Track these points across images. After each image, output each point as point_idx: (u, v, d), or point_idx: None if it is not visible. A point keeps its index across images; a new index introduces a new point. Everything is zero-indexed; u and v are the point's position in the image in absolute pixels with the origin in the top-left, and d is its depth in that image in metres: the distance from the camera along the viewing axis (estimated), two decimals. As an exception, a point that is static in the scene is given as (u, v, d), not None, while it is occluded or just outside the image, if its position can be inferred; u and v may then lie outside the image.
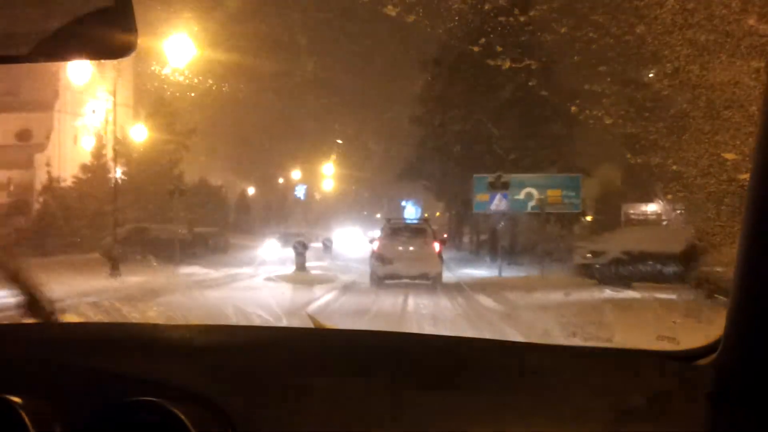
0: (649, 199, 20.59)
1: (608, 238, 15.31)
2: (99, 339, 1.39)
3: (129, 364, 1.18)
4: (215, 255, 21.09)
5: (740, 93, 3.44)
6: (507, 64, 12.49)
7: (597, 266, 13.10)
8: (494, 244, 21.19)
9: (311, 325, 1.52)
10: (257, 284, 13.34)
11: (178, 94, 23.21)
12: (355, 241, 25.55)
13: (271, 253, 21.20)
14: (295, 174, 34.84)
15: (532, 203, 17.88)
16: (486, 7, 12.36)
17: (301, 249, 15.81)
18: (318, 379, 1.12)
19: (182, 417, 1.00)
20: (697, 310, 6.55)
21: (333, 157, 29.93)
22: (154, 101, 24.91)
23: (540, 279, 13.84)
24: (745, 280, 0.96)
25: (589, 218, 22.59)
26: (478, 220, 24.53)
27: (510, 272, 16.33)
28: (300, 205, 35.17)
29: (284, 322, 6.41)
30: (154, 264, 15.25)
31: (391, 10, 8.38)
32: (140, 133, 24.95)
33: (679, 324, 5.85)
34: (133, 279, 13.64)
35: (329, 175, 32.55)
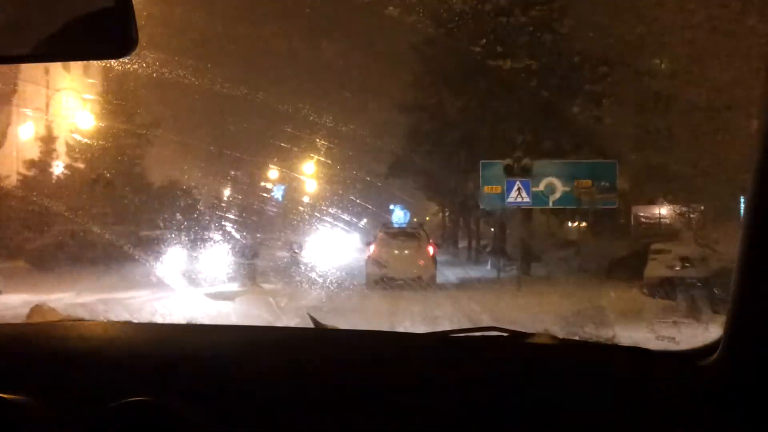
0: (660, 201, 18.85)
1: (697, 236, 11.09)
2: (98, 339, 1.44)
3: (127, 364, 1.23)
4: (159, 262, 19.47)
5: (740, 93, 3.53)
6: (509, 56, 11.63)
7: (696, 282, 9.01)
8: (502, 248, 18.68)
9: (311, 325, 1.59)
10: (183, 306, 10.77)
11: (146, 87, 22.97)
12: (333, 249, 24.46)
13: (227, 262, 19.47)
14: (273, 173, 34.69)
15: (555, 196, 15.12)
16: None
17: (249, 258, 13.32)
18: (317, 378, 1.16)
19: (180, 417, 1.05)
20: None
21: (315, 157, 29.84)
22: (114, 91, 24.45)
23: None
24: (745, 280, 1.01)
25: (581, 224, 20.22)
26: (479, 220, 23.17)
27: (533, 287, 13.03)
28: (278, 207, 34.96)
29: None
30: (65, 275, 13.05)
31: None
32: (92, 125, 24.27)
33: None
34: (14, 299, 11.31)
35: (310, 174, 32.44)
